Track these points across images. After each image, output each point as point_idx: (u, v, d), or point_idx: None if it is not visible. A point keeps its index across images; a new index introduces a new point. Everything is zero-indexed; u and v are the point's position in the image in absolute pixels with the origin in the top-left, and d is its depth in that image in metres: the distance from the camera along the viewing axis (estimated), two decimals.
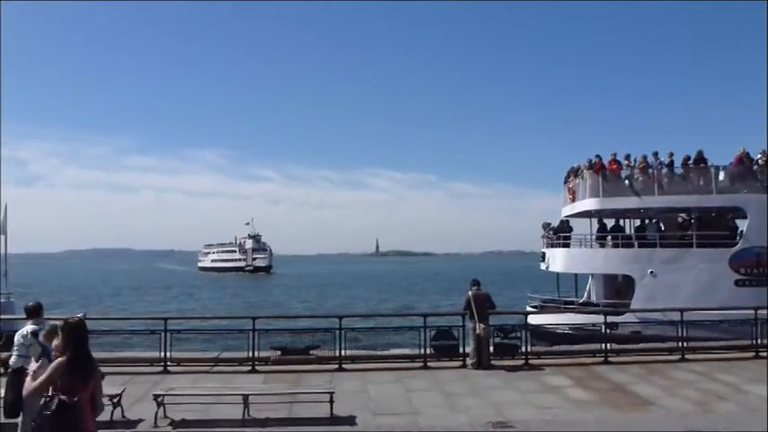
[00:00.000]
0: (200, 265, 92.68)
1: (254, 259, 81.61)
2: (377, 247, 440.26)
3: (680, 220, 14.21)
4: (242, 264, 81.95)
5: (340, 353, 8.22)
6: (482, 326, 8.48)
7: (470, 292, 8.67)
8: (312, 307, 30.45)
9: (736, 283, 12.08)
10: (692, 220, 13.23)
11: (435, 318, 9.10)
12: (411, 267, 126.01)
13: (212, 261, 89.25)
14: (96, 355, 4.30)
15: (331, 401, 6.19)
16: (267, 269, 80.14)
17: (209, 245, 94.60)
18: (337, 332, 8.21)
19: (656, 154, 13.35)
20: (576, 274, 15.37)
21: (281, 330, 8.72)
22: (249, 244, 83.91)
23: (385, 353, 8.91)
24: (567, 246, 14.58)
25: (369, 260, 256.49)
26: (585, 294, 15.68)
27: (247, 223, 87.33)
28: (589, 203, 13.83)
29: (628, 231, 14.54)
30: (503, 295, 40.84)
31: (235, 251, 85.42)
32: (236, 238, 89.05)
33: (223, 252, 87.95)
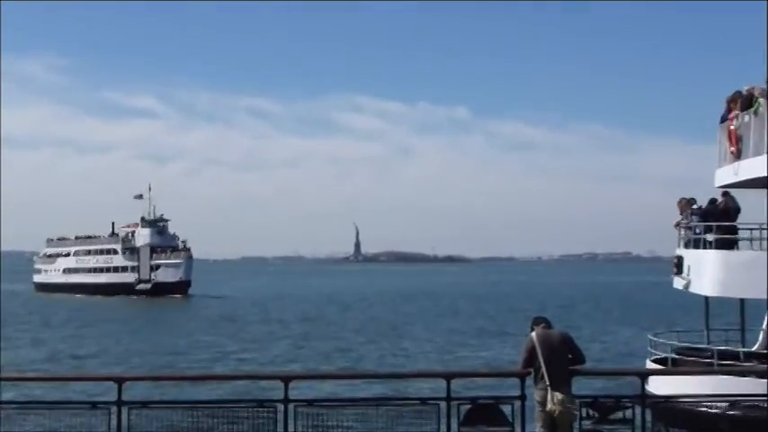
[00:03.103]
0: (37, 279, 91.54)
1: (156, 269, 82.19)
2: (357, 244, 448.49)
3: None
4: (130, 278, 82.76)
5: None
6: (558, 397, 8.24)
7: (533, 334, 8.59)
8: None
9: None
10: None
11: (468, 381, 9.63)
12: (420, 283, 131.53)
13: (65, 272, 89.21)
14: None
15: None
16: (182, 288, 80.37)
17: (60, 240, 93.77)
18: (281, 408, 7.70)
19: None
20: (742, 300, 14.44)
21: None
22: (144, 238, 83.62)
23: None
24: (728, 245, 13.63)
25: (344, 268, 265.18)
26: (762, 338, 15.12)
27: (139, 196, 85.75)
28: None
29: None
30: (599, 337, 43.70)
31: (113, 252, 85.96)
32: (113, 227, 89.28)
33: (88, 255, 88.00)
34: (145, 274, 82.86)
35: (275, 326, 50.64)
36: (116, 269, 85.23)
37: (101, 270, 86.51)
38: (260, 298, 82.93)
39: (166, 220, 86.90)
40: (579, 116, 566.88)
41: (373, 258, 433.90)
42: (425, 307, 70.61)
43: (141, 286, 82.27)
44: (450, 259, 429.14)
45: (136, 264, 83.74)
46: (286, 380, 8.17)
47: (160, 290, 79.80)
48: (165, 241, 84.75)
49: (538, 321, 8.82)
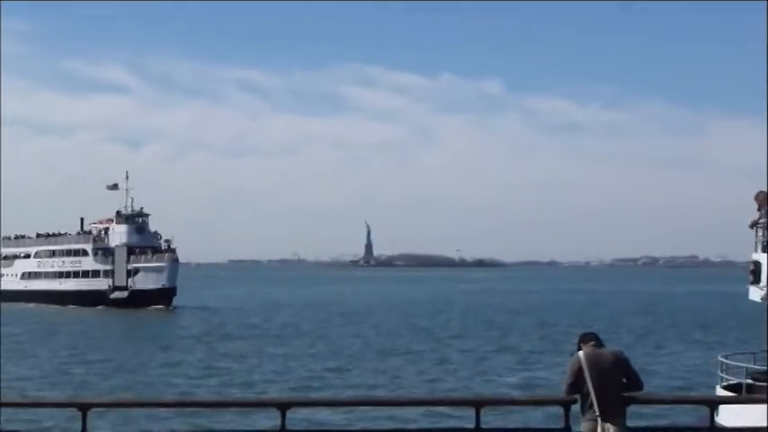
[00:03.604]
0: None
1: (134, 274, 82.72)
2: (368, 246, 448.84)
3: None
4: (102, 284, 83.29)
5: None
6: (611, 429, 8.51)
7: (581, 354, 8.83)
8: None
9: None
10: None
11: (501, 409, 9.59)
12: (443, 291, 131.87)
13: (24, 277, 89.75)
14: None
15: None
16: (165, 297, 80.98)
17: (18, 238, 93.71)
18: None
19: None
20: None
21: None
22: (121, 236, 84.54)
23: None
24: None
25: (352, 274, 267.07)
26: None
27: (114, 186, 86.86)
28: None
29: None
30: (658, 359, 43.55)
31: (82, 254, 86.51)
32: (82, 223, 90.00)
33: (52, 257, 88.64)
34: (120, 280, 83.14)
35: (269, 342, 51.03)
36: (86, 274, 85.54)
37: (67, 275, 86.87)
38: (252, 309, 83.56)
39: (147, 215, 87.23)
40: (637, 91, 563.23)
41: (388, 262, 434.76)
42: (449, 320, 70.77)
43: (116, 295, 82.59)
44: (479, 264, 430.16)
45: (110, 267, 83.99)
46: (283, 407, 8.22)
47: (139, 299, 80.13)
48: (144, 240, 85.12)
49: (586, 338, 8.95)
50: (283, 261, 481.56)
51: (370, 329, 60.46)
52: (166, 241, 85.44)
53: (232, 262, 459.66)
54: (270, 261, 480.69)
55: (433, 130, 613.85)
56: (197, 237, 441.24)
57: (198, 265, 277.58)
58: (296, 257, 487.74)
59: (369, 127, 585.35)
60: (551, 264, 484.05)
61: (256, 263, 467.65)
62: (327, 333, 57.28)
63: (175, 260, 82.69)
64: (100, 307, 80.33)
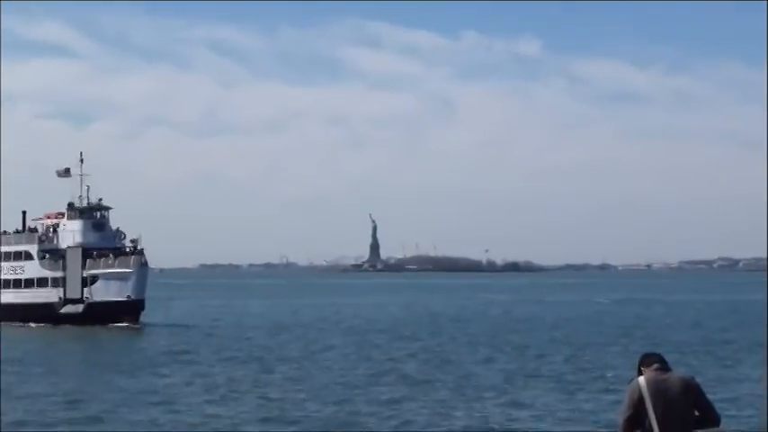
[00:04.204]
0: None
1: (92, 283, 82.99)
2: (374, 246, 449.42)
3: None
4: (51, 296, 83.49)
5: None
6: None
7: (641, 380, 8.95)
8: None
9: None
10: None
11: None
12: (468, 302, 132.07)
13: None
14: None
15: None
16: (131, 312, 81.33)
17: None
18: None
19: None
20: None
21: None
22: (74, 235, 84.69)
23: None
24: None
25: (353, 281, 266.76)
26: None
27: (65, 172, 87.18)
28: None
29: None
30: (736, 385, 43.18)
31: (24, 257, 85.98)
32: (24, 218, 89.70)
33: None
34: (74, 291, 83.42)
35: (247, 368, 51.83)
36: (29, 283, 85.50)
37: (6, 284, 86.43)
38: (233, 326, 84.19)
39: (107, 209, 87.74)
40: (708, 53, 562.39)
41: (398, 266, 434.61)
42: (474, 336, 71.71)
43: (69, 309, 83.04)
44: (513, 268, 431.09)
45: (60, 275, 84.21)
46: None
47: (97, 314, 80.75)
48: (104, 240, 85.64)
49: (648, 360, 9.01)
50: (268, 265, 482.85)
51: (372, 351, 61.28)
52: (132, 241, 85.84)
53: (204, 267, 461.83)
54: (251, 266, 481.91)
55: (454, 102, 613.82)
56: (160, 235, 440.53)
57: (162, 270, 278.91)
58: (284, 261, 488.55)
59: (373, 99, 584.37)
60: (603, 267, 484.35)
61: (234, 268, 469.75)
62: (325, 355, 58.25)
63: (144, 265, 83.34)
64: (47, 324, 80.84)
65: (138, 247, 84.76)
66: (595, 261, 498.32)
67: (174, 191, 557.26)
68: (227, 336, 74.17)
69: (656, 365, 8.89)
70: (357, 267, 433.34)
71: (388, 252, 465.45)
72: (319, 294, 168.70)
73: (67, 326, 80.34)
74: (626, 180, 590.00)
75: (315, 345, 65.99)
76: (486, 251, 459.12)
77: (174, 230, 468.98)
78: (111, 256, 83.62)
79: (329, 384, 44.81)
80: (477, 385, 44.40)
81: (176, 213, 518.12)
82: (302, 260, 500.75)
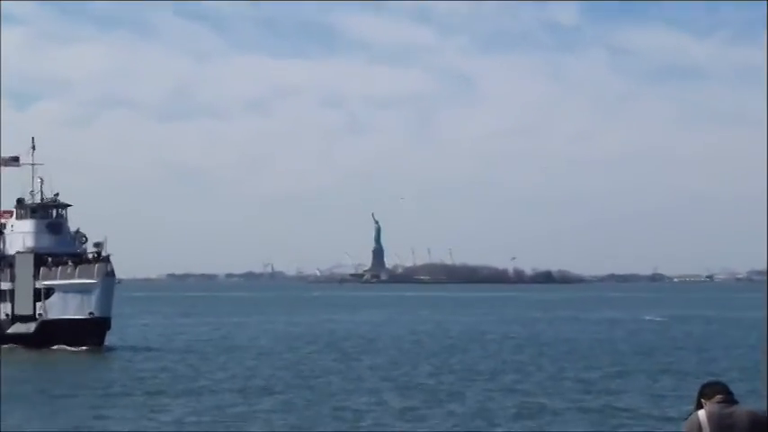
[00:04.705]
0: None
1: (46, 296, 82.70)
2: (377, 252, 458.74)
3: None
4: None
5: None
6: None
7: (701, 414, 9.10)
8: None
9: None
10: None
11: None
12: (492, 322, 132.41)
13: None
14: None
15: None
16: (94, 332, 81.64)
17: None
18: None
19: None
20: None
21: None
22: (25, 238, 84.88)
23: None
24: None
25: (351, 293, 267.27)
26: None
27: (13, 160, 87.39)
28: None
29: None
30: None
31: None
32: None
33: None
34: (24, 306, 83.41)
35: (231, 399, 52.60)
36: None
37: None
38: (209, 350, 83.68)
39: (65, 206, 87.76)
40: None
41: (407, 276, 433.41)
42: (502, 365, 72.48)
43: (17, 328, 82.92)
44: (546, 278, 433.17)
45: (7, 286, 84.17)
46: None
47: (53, 335, 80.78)
48: (62, 245, 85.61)
49: (711, 391, 9.18)
50: (249, 275, 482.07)
51: (392, 385, 60.96)
52: (96, 246, 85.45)
53: (173, 277, 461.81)
54: (229, 275, 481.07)
55: (473, 79, 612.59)
56: (118, 240, 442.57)
57: (120, 282, 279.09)
58: (268, 270, 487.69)
59: (376, 75, 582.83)
60: (655, 278, 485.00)
61: (209, 278, 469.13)
62: (321, 388, 58.48)
63: (110, 275, 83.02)
64: None
65: (103, 254, 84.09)
66: (645, 270, 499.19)
67: (135, 186, 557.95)
68: (201, 362, 73.19)
69: (719, 397, 9.04)
70: (357, 278, 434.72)
71: (395, 259, 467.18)
72: (311, 310, 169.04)
73: (16, 348, 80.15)
74: (682, 172, 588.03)
75: (303, 375, 65.86)
76: (513, 258, 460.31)
77: (136, 233, 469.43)
78: (69, 264, 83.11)
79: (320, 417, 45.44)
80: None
81: (138, 213, 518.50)
82: (290, 269, 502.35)
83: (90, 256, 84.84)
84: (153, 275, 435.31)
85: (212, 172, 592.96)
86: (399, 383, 59.87)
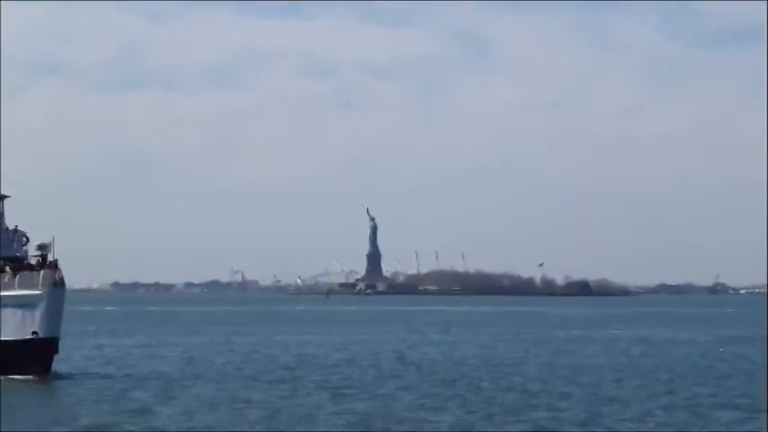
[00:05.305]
0: None
1: None
2: (372, 257, 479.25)
3: None
4: None
5: None
6: None
7: None
8: None
9: None
10: None
11: None
12: (514, 347, 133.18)
13: None
14: None
15: None
16: (39, 358, 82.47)
17: None
18: None
19: None
20: None
21: None
22: None
23: None
24: None
25: (341, 308, 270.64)
26: None
27: None
28: None
29: None
30: None
31: None
32: None
33: None
34: None
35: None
36: None
37: None
38: (166, 379, 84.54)
39: (2, 198, 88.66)
40: None
41: (409, 286, 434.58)
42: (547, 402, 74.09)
43: None
44: (582, 289, 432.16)
45: None
46: None
47: None
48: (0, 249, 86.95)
49: None
50: (214, 284, 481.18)
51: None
52: (40, 248, 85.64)
53: (119, 287, 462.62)
54: (189, 285, 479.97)
55: (489, 42, 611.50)
56: (55, 240, 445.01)
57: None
58: (237, 278, 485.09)
59: (371, 37, 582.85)
60: (716, 289, 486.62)
61: (164, 288, 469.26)
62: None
63: (59, 285, 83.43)
64: None
65: (50, 258, 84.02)
66: (704, 281, 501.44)
67: (71, 173, 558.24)
68: (173, 391, 74.25)
69: None
70: (348, 288, 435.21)
71: (395, 266, 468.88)
72: (291, 328, 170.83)
73: None
74: (750, 158, 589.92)
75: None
76: (541, 265, 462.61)
77: (72, 233, 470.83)
78: (7, 270, 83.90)
79: None
80: None
81: (74, 206, 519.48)
82: (265, 278, 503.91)
83: (33, 260, 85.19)
84: (94, 285, 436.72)
85: (167, 156, 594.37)
86: None
